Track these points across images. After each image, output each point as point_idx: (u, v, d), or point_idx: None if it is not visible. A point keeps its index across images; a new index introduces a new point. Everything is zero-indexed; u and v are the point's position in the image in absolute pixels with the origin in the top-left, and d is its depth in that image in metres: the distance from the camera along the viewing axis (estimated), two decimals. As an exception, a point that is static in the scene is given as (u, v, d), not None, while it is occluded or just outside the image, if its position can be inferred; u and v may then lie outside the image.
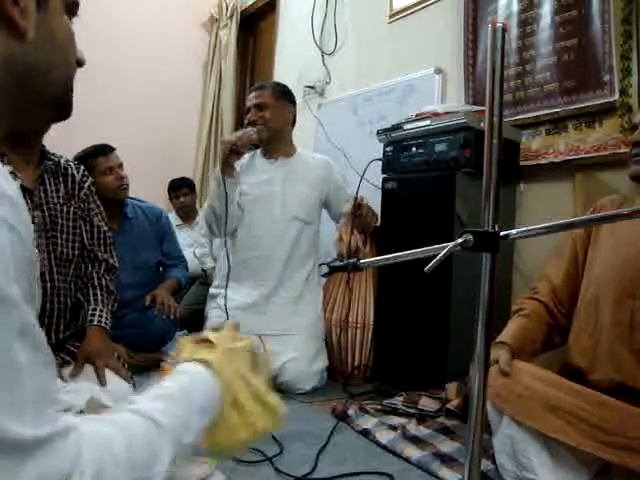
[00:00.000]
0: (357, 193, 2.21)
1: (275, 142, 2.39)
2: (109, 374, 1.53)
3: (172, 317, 2.50)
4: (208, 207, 2.31)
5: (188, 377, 0.68)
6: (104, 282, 1.74)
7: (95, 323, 1.63)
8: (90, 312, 1.65)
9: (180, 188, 3.82)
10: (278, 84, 2.51)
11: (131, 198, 2.62)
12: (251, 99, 2.38)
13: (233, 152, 2.20)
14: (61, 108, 0.65)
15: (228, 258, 2.23)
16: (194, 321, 3.01)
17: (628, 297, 1.33)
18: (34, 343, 0.48)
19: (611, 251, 1.41)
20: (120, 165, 2.44)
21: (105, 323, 1.66)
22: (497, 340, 1.44)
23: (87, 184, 1.73)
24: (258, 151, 2.47)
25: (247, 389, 0.73)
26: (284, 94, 2.42)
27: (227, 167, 2.22)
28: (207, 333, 0.79)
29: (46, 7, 0.57)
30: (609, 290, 1.37)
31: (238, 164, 2.31)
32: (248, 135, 2.24)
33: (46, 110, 0.64)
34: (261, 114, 2.32)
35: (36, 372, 0.47)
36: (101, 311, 1.67)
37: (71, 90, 0.65)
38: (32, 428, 0.44)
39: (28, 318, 0.48)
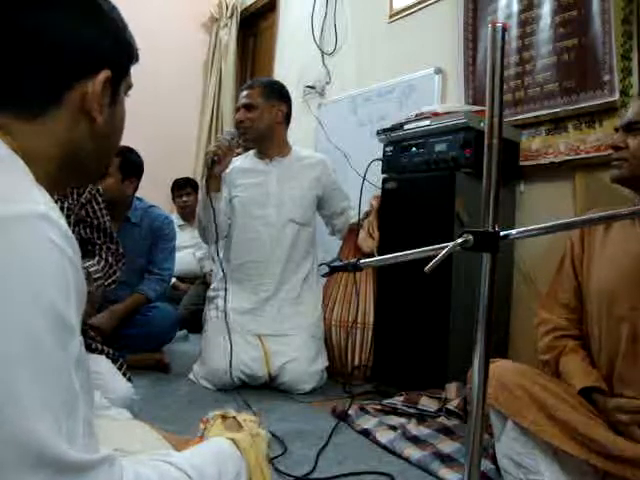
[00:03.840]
0: (361, 194, 2.22)
1: (266, 142, 2.35)
2: (109, 374, 1.52)
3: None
4: (197, 216, 2.30)
5: (221, 448, 0.75)
6: (104, 255, 1.74)
7: None
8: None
9: (184, 188, 3.81)
10: (269, 82, 2.46)
11: (143, 202, 2.60)
12: (240, 98, 2.35)
13: (216, 162, 2.14)
14: (96, 178, 0.72)
15: (222, 267, 2.21)
16: (194, 321, 3.01)
17: (628, 309, 1.28)
18: (84, 379, 0.51)
19: (607, 265, 1.36)
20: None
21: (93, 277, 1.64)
22: (580, 387, 1.29)
23: (88, 187, 1.73)
24: (252, 152, 2.44)
25: (261, 475, 0.80)
26: (273, 92, 2.35)
27: (212, 179, 2.17)
28: (234, 413, 0.88)
29: (116, 101, 0.65)
30: (607, 304, 1.33)
31: (226, 171, 2.27)
32: (226, 142, 2.16)
33: (84, 180, 0.70)
34: (248, 115, 2.29)
35: (84, 405, 0.50)
36: (92, 266, 1.65)
37: (110, 162, 0.73)
38: (83, 453, 0.47)
39: (83, 351, 0.52)
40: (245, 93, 2.34)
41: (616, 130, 1.37)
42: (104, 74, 0.60)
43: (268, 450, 0.86)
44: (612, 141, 1.36)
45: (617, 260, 1.34)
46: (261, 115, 2.30)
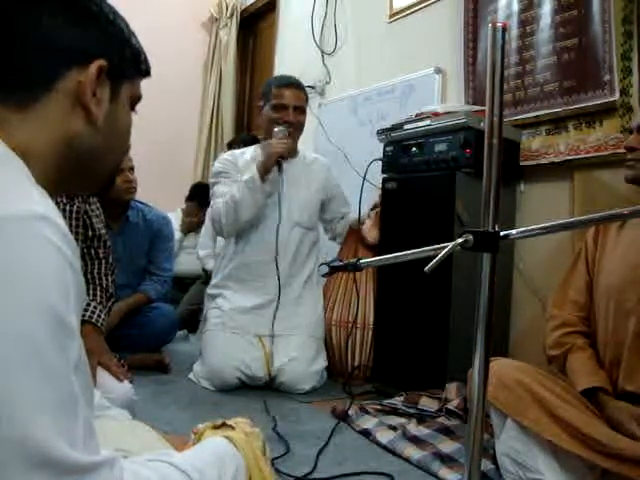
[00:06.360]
0: (361, 194, 2.22)
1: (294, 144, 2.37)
2: (109, 374, 1.52)
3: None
4: (231, 211, 2.17)
5: (218, 447, 0.75)
6: (104, 283, 1.73)
7: (86, 318, 1.58)
8: (84, 307, 1.58)
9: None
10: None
11: (140, 202, 2.59)
12: (289, 97, 2.28)
13: (282, 162, 2.18)
14: (103, 188, 0.72)
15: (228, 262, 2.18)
16: (194, 320, 3.01)
17: (637, 304, 1.29)
18: (84, 381, 0.51)
19: (618, 261, 1.38)
20: (131, 168, 2.38)
21: (100, 323, 1.62)
22: (584, 387, 1.30)
23: None
24: (256, 147, 2.45)
25: (259, 473, 0.80)
26: (307, 99, 2.43)
27: (266, 175, 2.18)
28: (224, 420, 0.87)
29: (117, 99, 0.65)
30: (616, 298, 1.34)
31: (238, 165, 2.30)
32: (287, 140, 2.21)
33: (89, 188, 0.69)
34: (300, 118, 2.31)
35: (85, 407, 0.49)
36: (95, 308, 1.64)
37: (115, 173, 0.73)
38: (84, 454, 0.47)
39: (82, 353, 0.51)
40: (296, 94, 2.31)
41: (630, 132, 1.39)
42: (97, 62, 0.60)
43: (265, 448, 0.86)
44: (627, 142, 1.38)
45: (628, 256, 1.36)
46: (306, 119, 2.35)
